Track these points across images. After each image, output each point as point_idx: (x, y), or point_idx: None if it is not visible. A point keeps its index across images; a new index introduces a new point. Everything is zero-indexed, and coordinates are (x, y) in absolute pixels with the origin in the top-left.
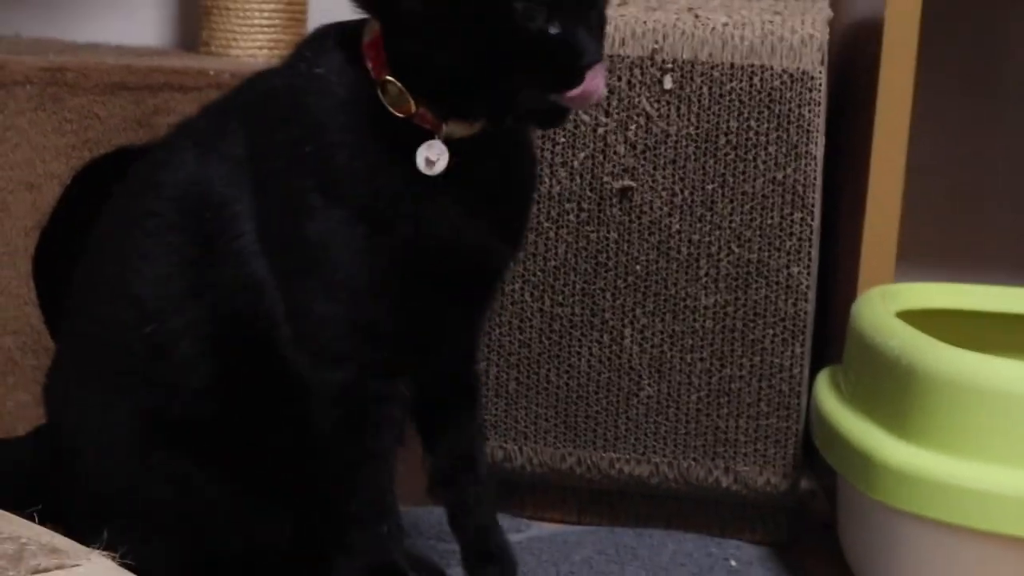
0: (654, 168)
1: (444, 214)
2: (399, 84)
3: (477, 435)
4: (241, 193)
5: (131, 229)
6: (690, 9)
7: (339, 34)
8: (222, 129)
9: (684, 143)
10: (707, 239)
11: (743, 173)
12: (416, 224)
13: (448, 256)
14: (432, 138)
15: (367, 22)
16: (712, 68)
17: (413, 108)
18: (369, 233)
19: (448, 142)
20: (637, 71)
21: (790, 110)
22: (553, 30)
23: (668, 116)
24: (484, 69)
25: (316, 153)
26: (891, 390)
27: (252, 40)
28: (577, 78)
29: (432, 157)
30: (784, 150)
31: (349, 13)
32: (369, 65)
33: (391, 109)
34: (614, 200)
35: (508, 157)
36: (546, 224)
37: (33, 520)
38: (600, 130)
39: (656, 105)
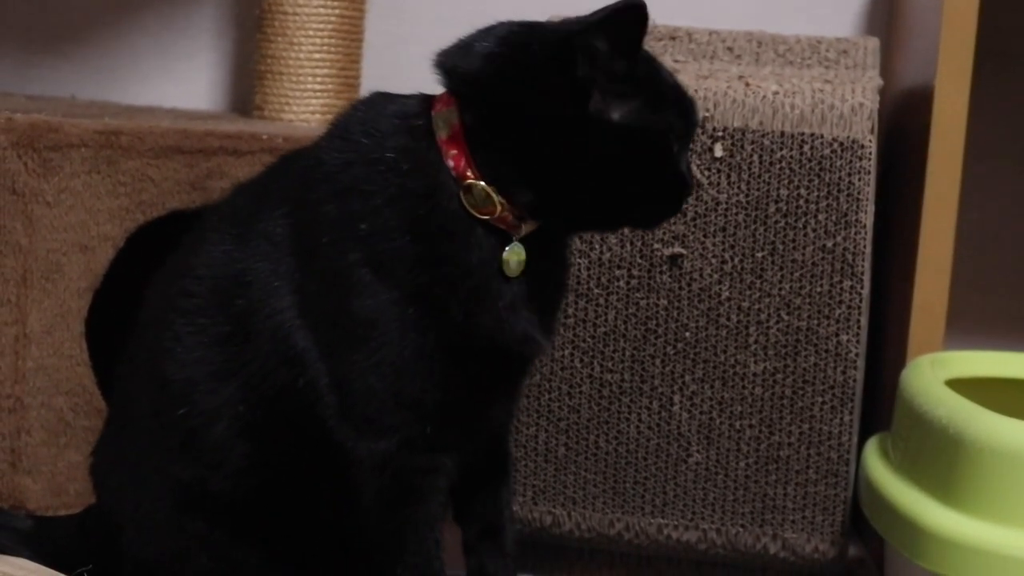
0: (704, 235)
1: (493, 304)
2: (489, 188)
3: (506, 508)
4: (280, 268)
5: (164, 312)
6: (741, 77)
7: (400, 114)
8: (260, 206)
9: (734, 211)
10: (756, 307)
11: (793, 241)
12: (467, 312)
13: (492, 343)
14: (508, 238)
15: (427, 105)
16: (762, 136)
17: (498, 211)
18: (419, 315)
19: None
20: None
21: (840, 178)
22: (681, 163)
23: (718, 184)
24: (630, 198)
25: (373, 233)
26: (939, 458)
27: (305, 105)
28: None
29: (520, 259)
30: (834, 218)
31: (401, 80)
32: (450, 163)
33: (470, 209)
34: (664, 267)
35: (552, 252)
36: (596, 291)
37: None
38: None
39: (706, 173)
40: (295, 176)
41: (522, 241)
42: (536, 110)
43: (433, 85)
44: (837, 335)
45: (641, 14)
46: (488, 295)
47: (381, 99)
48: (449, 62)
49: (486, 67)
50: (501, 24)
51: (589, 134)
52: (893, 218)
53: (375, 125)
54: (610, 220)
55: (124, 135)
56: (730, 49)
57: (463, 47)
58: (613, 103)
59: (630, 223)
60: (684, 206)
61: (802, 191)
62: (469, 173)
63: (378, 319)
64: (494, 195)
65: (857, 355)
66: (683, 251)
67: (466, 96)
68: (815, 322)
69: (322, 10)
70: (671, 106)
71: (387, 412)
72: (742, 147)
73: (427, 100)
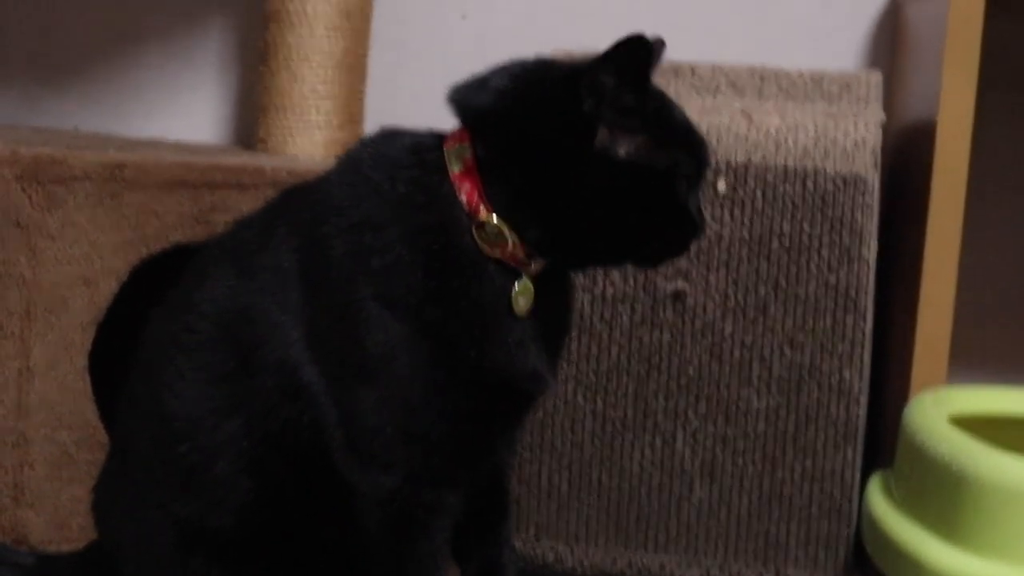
0: (707, 271)
1: (504, 341)
2: (503, 225)
3: (505, 545)
4: (287, 302)
5: (166, 348)
6: (744, 112)
7: (412, 148)
8: (265, 241)
9: (737, 246)
10: (759, 342)
11: (796, 276)
12: (480, 349)
13: (502, 380)
14: (517, 275)
15: (439, 140)
16: (765, 171)
17: (510, 248)
18: (432, 351)
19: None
20: None
21: (843, 214)
22: (691, 204)
23: (721, 219)
24: (634, 236)
25: (385, 268)
26: (942, 495)
27: (309, 138)
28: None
29: (529, 297)
30: (836, 254)
31: (404, 114)
32: (464, 197)
33: (481, 245)
34: (667, 303)
35: (558, 292)
36: (599, 326)
37: None
38: None
39: (709, 208)
40: (303, 210)
41: (530, 279)
42: (545, 145)
43: (436, 119)
44: (840, 371)
45: (645, 46)
46: (499, 332)
47: (392, 134)
48: (463, 97)
49: (499, 102)
50: (515, 61)
51: (595, 170)
52: (896, 253)
53: (387, 159)
54: (614, 257)
55: (128, 168)
56: (733, 84)
57: (477, 83)
58: (619, 139)
59: (635, 261)
60: (690, 247)
61: (805, 226)
62: (482, 208)
63: (389, 354)
64: (507, 231)
65: (860, 391)
66: (686, 287)
67: (479, 130)
68: (818, 358)
69: (325, 44)
70: (680, 144)
71: (394, 447)
72: (745, 182)
73: (438, 135)
